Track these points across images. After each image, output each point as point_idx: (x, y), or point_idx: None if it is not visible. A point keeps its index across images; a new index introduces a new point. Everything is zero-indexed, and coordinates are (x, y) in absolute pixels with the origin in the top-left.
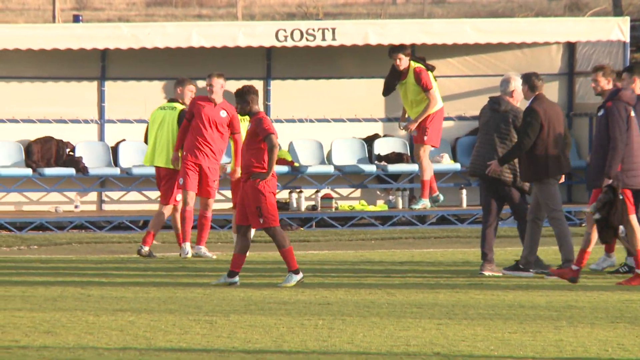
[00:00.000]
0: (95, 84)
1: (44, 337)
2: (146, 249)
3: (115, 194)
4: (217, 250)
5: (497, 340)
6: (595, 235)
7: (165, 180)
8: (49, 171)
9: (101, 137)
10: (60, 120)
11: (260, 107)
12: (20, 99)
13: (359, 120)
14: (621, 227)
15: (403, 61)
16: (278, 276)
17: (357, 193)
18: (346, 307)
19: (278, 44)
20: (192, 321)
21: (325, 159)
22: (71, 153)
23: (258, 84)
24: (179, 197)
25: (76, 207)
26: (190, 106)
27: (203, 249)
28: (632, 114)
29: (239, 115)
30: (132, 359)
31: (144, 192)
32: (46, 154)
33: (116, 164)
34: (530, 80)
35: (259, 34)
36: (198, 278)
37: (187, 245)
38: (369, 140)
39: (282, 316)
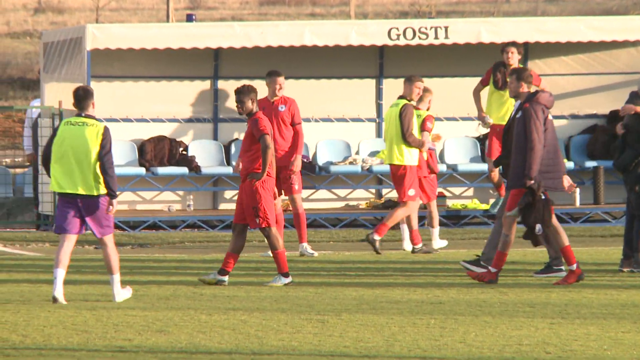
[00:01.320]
0: (208, 82)
1: (156, 336)
2: (376, 237)
3: (228, 193)
4: (329, 249)
5: (610, 340)
6: (513, 238)
7: (403, 177)
8: (162, 170)
9: (214, 136)
10: (174, 120)
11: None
12: (133, 99)
13: (471, 119)
14: (538, 226)
15: (514, 56)
16: (389, 275)
17: (470, 192)
18: (458, 306)
19: (390, 43)
20: (304, 320)
21: (438, 157)
22: (184, 152)
23: (370, 83)
24: (412, 192)
25: (189, 206)
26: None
27: (305, 246)
28: (550, 117)
29: (238, 114)
30: (244, 358)
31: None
32: (159, 153)
33: (229, 162)
34: None
35: (371, 33)
36: (310, 277)
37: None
38: (482, 139)
39: (393, 315)
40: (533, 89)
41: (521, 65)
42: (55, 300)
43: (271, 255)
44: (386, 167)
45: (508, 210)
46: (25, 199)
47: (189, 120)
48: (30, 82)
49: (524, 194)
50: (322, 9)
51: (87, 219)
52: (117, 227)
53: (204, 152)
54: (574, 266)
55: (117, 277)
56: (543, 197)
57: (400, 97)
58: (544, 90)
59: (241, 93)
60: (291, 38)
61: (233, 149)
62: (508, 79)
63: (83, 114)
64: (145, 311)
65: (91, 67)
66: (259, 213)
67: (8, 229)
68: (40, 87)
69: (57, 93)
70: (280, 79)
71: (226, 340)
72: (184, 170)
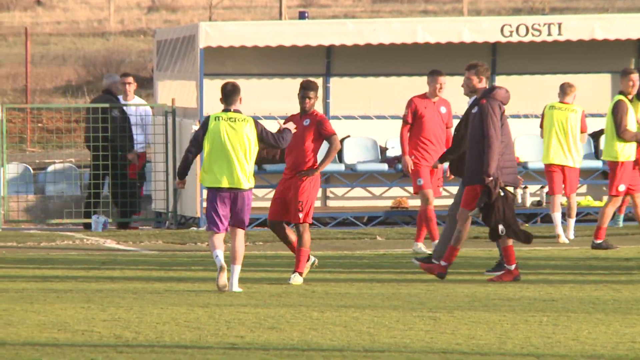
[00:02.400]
0: (320, 80)
1: (268, 333)
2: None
3: (339, 190)
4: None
5: None
6: (466, 234)
7: (615, 172)
8: (271, 167)
9: None
10: (285, 117)
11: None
12: (246, 96)
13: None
14: (500, 226)
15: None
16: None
17: (583, 189)
18: (571, 303)
19: (503, 40)
20: (416, 317)
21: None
22: None
23: None
24: (622, 187)
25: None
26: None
27: (420, 245)
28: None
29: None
30: (356, 355)
31: (369, 189)
32: (271, 150)
33: (341, 160)
34: None
35: (484, 30)
36: (421, 274)
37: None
38: (595, 136)
39: (506, 312)
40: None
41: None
42: (222, 269)
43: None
44: None
45: (464, 207)
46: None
47: None
48: (144, 80)
49: (482, 192)
50: (434, 5)
51: (234, 212)
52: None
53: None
54: (513, 266)
55: (238, 268)
56: (503, 193)
57: (620, 93)
58: (500, 87)
59: (308, 88)
60: (403, 35)
61: (345, 146)
62: (465, 74)
63: (231, 109)
64: (257, 308)
65: (204, 64)
66: (303, 207)
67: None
68: (153, 85)
69: (170, 91)
70: (442, 79)
71: (338, 337)
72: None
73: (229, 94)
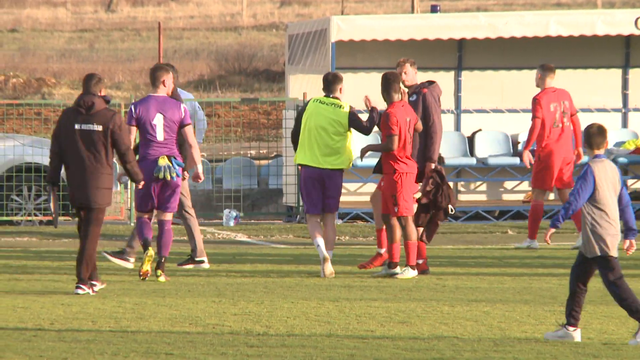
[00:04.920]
0: (452, 74)
1: (398, 327)
2: None
3: (470, 184)
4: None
5: None
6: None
7: None
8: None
9: (457, 127)
10: None
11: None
12: (378, 89)
13: None
14: (450, 206)
15: None
16: (635, 267)
17: None
18: None
19: (637, 32)
20: (548, 312)
21: None
22: None
23: (616, 73)
24: None
25: None
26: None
27: (531, 241)
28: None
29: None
30: (487, 349)
31: (501, 182)
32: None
33: (472, 154)
34: None
35: (618, 22)
36: (554, 269)
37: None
38: None
39: None
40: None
41: None
42: (325, 260)
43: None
44: (632, 158)
45: None
46: (270, 191)
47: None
48: (276, 74)
49: (430, 176)
50: None
51: (325, 194)
52: (360, 218)
53: (447, 143)
54: (383, 250)
55: (330, 254)
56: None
57: None
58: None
59: (388, 82)
60: (535, 28)
61: (476, 140)
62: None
63: (331, 96)
64: (388, 302)
65: (335, 58)
66: (398, 201)
67: (252, 220)
68: (285, 79)
69: (302, 85)
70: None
71: (468, 331)
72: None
73: (330, 83)
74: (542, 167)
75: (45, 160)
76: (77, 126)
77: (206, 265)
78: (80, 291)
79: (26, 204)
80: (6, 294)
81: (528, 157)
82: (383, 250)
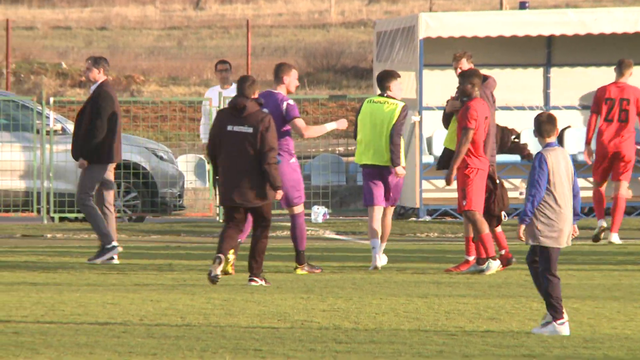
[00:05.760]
0: (540, 70)
1: (487, 324)
2: None
3: None
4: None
5: None
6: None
7: None
8: None
9: None
10: (505, 107)
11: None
12: None
13: None
14: (503, 213)
15: None
16: None
17: None
18: None
19: None
20: (637, 308)
21: None
22: (516, 140)
23: None
24: None
25: (521, 193)
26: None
27: (615, 236)
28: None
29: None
30: (576, 345)
31: (589, 179)
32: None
33: None
34: None
35: None
36: None
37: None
38: None
39: None
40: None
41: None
42: (375, 269)
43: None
44: None
45: None
46: (358, 187)
47: (521, 108)
48: (364, 71)
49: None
50: None
51: (384, 189)
52: (449, 214)
53: (536, 140)
54: (471, 257)
55: (383, 246)
56: (498, 181)
57: None
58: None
59: (463, 76)
60: (625, 25)
61: (565, 136)
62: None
63: (384, 94)
64: (477, 299)
65: (423, 55)
66: (467, 195)
67: (341, 217)
68: (373, 76)
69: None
70: None
71: None
72: (515, 158)
73: (381, 80)
74: (597, 160)
75: (134, 158)
76: (229, 128)
77: (117, 254)
78: (253, 283)
79: (115, 201)
80: (96, 290)
81: (588, 152)
82: (472, 258)
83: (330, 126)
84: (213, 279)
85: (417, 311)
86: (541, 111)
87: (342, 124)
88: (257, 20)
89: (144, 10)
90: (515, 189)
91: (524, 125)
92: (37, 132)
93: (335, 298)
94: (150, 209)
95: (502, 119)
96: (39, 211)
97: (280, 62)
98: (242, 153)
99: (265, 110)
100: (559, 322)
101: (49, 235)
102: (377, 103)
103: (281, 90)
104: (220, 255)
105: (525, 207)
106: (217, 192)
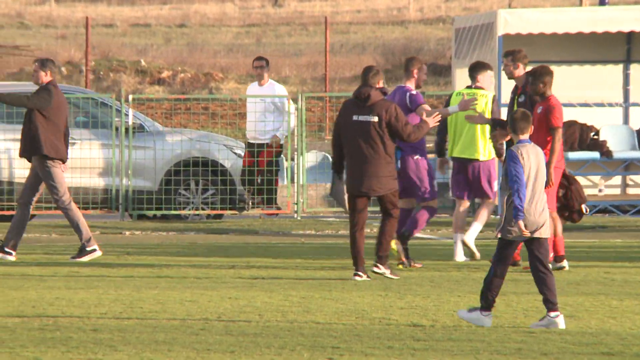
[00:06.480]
0: (620, 67)
1: (566, 321)
2: None
3: (639, 178)
4: None
5: None
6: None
7: None
8: (573, 155)
9: (625, 121)
10: (584, 104)
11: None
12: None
13: None
14: (583, 206)
15: None
16: None
17: None
18: None
19: None
20: None
21: None
22: (595, 137)
23: None
24: None
25: (600, 190)
26: None
27: None
28: None
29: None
30: None
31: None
32: (570, 137)
33: None
34: None
35: None
36: None
37: None
38: None
39: None
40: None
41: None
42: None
43: None
44: None
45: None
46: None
47: (600, 105)
48: (442, 68)
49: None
50: None
51: (472, 182)
52: None
53: (615, 137)
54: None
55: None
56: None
57: None
58: None
59: (533, 75)
60: None
61: None
62: (503, 60)
63: (473, 86)
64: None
65: (502, 52)
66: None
67: None
68: (451, 72)
69: (469, 79)
70: None
71: (637, 325)
72: (595, 155)
73: (471, 71)
74: None
75: (212, 155)
76: (354, 117)
77: (98, 253)
78: (376, 269)
79: (194, 198)
80: (174, 287)
81: None
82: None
83: (452, 109)
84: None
85: (495, 308)
86: (619, 106)
87: (463, 105)
88: (336, 17)
89: (223, 8)
90: (595, 186)
91: (603, 122)
92: (116, 129)
93: (413, 296)
94: (228, 206)
95: (581, 116)
96: (117, 208)
97: (410, 56)
98: (368, 142)
99: (389, 100)
100: (552, 314)
101: (127, 233)
102: (466, 95)
103: (410, 84)
104: (357, 271)
105: (514, 202)
106: (333, 182)
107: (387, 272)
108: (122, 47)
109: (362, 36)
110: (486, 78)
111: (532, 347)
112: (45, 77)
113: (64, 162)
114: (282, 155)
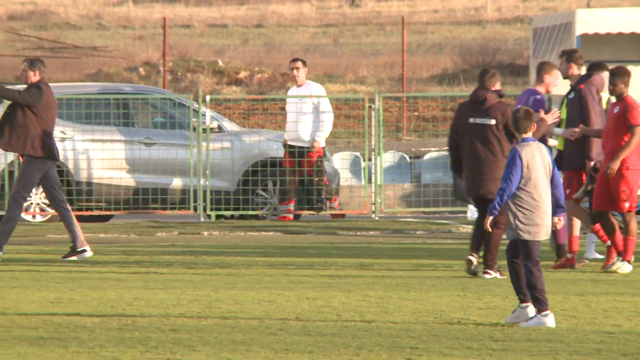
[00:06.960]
0: None
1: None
2: None
3: None
4: None
5: None
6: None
7: None
8: None
9: None
10: None
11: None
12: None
13: None
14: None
15: None
16: None
17: None
18: None
19: None
20: None
21: None
22: None
23: None
24: None
25: None
26: None
27: None
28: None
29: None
30: None
31: None
32: None
33: None
34: None
35: None
36: None
37: None
38: None
39: None
40: (583, 70)
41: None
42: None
43: None
44: None
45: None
46: None
47: None
48: (520, 68)
49: (588, 175)
50: None
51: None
52: None
53: None
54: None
55: (594, 237)
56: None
57: None
58: (597, 74)
59: (615, 75)
60: None
61: None
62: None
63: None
64: (635, 297)
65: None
66: (628, 196)
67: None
68: (529, 72)
69: None
70: None
71: None
72: None
73: (536, 71)
74: None
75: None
76: (471, 120)
77: (89, 254)
78: (487, 276)
79: (271, 199)
80: (252, 287)
81: None
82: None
83: (558, 131)
84: (472, 272)
85: (574, 309)
86: None
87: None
88: (413, 17)
89: (300, 8)
90: None
91: None
92: (194, 130)
93: (491, 296)
94: (306, 206)
95: None
96: (195, 209)
97: (542, 60)
98: (485, 144)
99: (506, 102)
100: (543, 314)
101: (205, 233)
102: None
103: (540, 88)
104: (470, 256)
105: (494, 200)
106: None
107: (497, 275)
108: (199, 47)
109: (439, 36)
110: (552, 78)
111: (612, 348)
112: (34, 76)
113: (55, 160)
114: (326, 156)
